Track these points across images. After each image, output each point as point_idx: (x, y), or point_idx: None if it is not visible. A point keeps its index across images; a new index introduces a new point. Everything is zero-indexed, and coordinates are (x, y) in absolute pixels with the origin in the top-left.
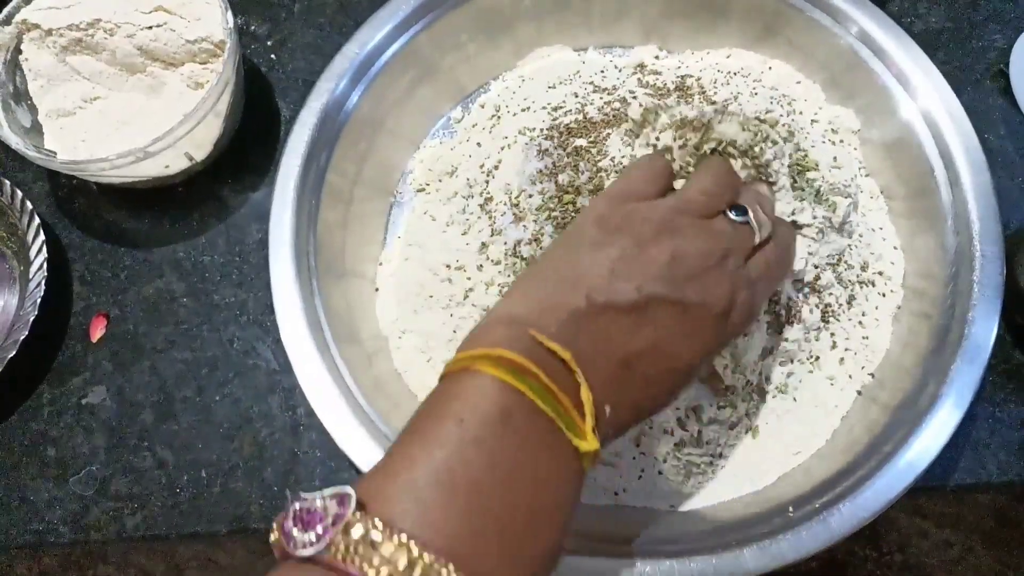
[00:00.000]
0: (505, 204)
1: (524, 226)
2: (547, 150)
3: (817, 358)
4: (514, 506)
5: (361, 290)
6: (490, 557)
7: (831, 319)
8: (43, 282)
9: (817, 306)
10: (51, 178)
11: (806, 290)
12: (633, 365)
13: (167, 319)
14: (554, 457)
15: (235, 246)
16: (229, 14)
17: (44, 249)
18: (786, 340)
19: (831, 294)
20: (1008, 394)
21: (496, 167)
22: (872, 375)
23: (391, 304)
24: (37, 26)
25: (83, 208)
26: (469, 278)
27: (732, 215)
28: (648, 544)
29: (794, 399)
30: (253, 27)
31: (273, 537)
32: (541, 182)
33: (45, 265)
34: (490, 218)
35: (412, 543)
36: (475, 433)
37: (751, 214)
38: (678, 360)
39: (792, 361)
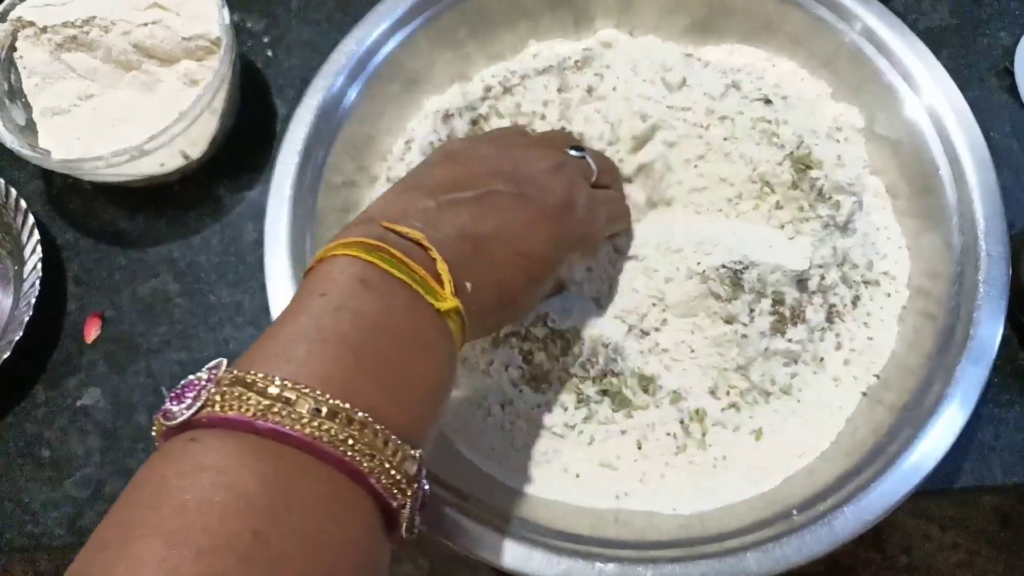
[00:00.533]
0: None
1: None
2: (451, 115)
3: (821, 359)
4: (386, 354)
5: None
6: (368, 391)
7: (836, 319)
8: (37, 282)
9: (822, 306)
10: (46, 177)
11: (811, 290)
12: (485, 247)
13: (162, 319)
14: (418, 317)
15: (231, 246)
16: (225, 11)
17: (39, 249)
18: (790, 341)
19: (836, 294)
20: (1014, 395)
21: (409, 145)
22: (877, 376)
23: None
24: (32, 23)
25: (78, 207)
26: None
27: (571, 151)
28: (650, 548)
29: (798, 400)
30: (249, 24)
31: (155, 430)
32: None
33: (40, 265)
34: None
35: (286, 381)
36: (337, 301)
37: (587, 153)
38: (527, 246)
39: (796, 362)
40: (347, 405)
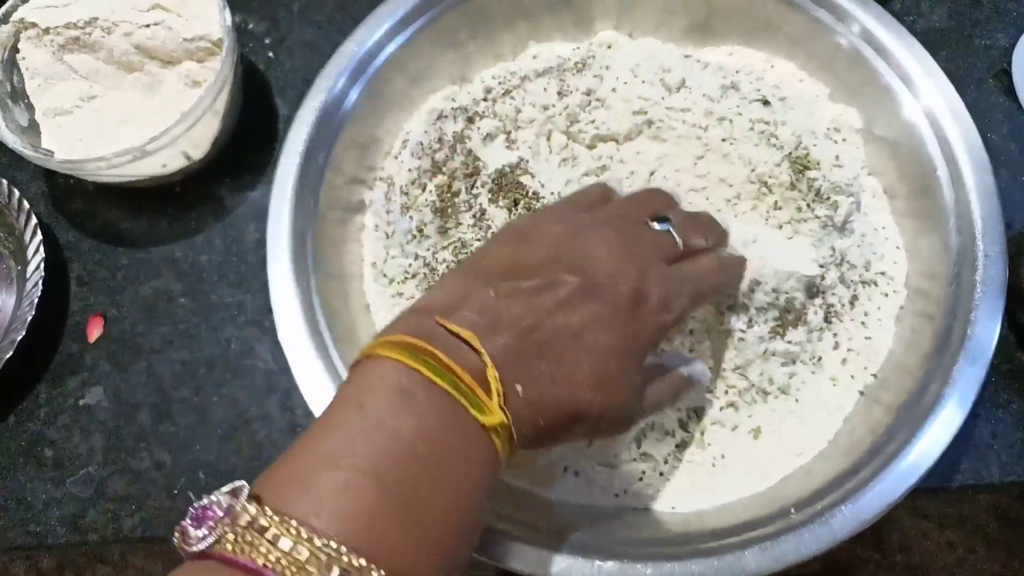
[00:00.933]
0: (394, 186)
1: (410, 212)
2: (445, 116)
3: (819, 359)
4: (416, 484)
5: (360, 291)
6: (391, 536)
7: (834, 319)
8: (40, 282)
9: (820, 307)
10: (48, 177)
11: (812, 290)
12: (544, 346)
13: (164, 319)
14: (458, 433)
15: (233, 246)
16: (227, 12)
17: (41, 249)
18: (789, 342)
19: (834, 294)
20: (1011, 395)
21: (404, 144)
22: (874, 376)
23: (386, 320)
24: (34, 24)
25: (80, 208)
26: (434, 270)
27: (653, 224)
28: (649, 546)
29: (796, 400)
30: (251, 25)
31: (175, 540)
32: (420, 157)
33: (42, 265)
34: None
35: (301, 529)
36: (375, 416)
37: (673, 223)
38: (593, 341)
39: (794, 362)
40: (361, 562)
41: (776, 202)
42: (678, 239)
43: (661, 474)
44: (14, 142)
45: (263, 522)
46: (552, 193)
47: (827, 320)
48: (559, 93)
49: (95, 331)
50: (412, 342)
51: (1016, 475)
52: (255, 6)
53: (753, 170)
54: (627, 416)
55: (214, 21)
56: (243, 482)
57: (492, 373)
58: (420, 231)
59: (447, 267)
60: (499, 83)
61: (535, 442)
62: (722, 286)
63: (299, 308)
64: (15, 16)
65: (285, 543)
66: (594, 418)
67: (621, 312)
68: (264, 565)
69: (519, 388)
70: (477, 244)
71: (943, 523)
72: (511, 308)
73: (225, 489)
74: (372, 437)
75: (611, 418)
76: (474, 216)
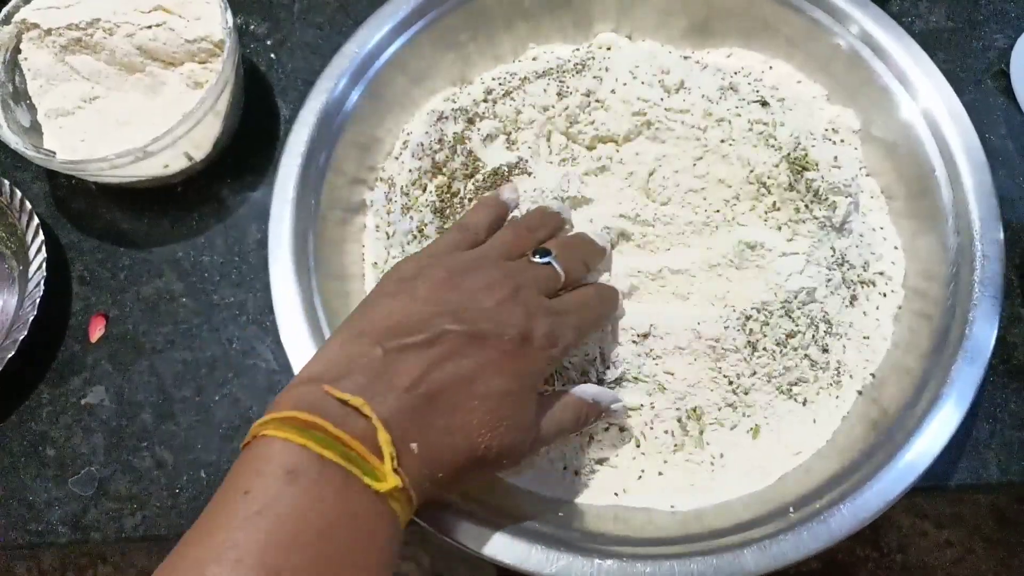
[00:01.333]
0: (395, 186)
1: (411, 213)
2: (445, 117)
3: (817, 360)
4: (313, 566)
5: (360, 291)
6: None
7: (832, 320)
8: (42, 282)
9: (820, 307)
10: (50, 178)
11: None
12: (437, 399)
13: (166, 319)
14: (354, 504)
15: (234, 246)
16: (228, 13)
17: (43, 249)
18: (789, 347)
19: (833, 294)
20: (1009, 394)
21: (405, 145)
22: (873, 375)
23: None
24: (36, 25)
25: (82, 208)
26: None
27: (535, 258)
28: (648, 545)
29: (794, 399)
30: (253, 26)
31: None
32: (421, 158)
33: (44, 265)
34: (388, 201)
35: None
36: (261, 503)
37: (554, 255)
38: (485, 388)
39: (796, 365)
40: None
41: (775, 203)
42: (560, 271)
43: (660, 473)
44: (16, 143)
45: None
46: (553, 196)
47: (826, 320)
48: (559, 94)
49: (97, 331)
50: (299, 416)
51: (1014, 475)
52: (256, 8)
53: (752, 171)
54: (526, 450)
55: (216, 23)
56: None
57: (383, 437)
58: (420, 231)
59: None
60: (499, 84)
61: (437, 493)
62: (602, 318)
63: (300, 308)
64: (17, 17)
65: None
66: (493, 460)
67: (509, 354)
68: None
69: (414, 447)
70: None
71: (941, 522)
72: (400, 365)
73: None
74: (257, 526)
75: (511, 456)
76: None
